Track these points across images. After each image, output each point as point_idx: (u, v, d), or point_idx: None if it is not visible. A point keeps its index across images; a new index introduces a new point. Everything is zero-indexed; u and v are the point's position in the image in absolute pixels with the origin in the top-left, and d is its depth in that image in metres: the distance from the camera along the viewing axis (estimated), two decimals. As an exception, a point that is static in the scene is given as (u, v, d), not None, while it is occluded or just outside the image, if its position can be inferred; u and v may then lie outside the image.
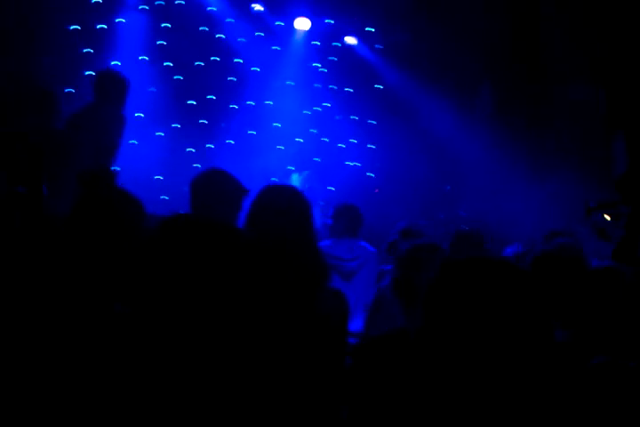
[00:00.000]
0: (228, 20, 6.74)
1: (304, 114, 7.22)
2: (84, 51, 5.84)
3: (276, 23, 7.01)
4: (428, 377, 1.18)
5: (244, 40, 6.85)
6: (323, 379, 1.80)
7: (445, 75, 6.98)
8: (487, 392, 1.13)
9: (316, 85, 7.25)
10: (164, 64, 6.36)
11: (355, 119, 7.43)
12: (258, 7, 6.77)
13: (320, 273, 1.86)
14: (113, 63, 5.89)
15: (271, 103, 6.99)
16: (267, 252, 1.72)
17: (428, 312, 1.20)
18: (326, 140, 7.33)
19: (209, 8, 6.63)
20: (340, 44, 7.33)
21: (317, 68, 7.28)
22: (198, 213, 2.47)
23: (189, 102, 6.56)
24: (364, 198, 6.00)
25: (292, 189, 2.02)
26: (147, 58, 6.23)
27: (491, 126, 7.07)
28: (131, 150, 5.20)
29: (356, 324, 2.92)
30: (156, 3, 6.33)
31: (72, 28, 5.77)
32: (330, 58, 7.32)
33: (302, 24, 6.99)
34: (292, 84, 7.10)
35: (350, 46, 7.34)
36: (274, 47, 7.04)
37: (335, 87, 7.32)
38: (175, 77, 6.43)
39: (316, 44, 7.21)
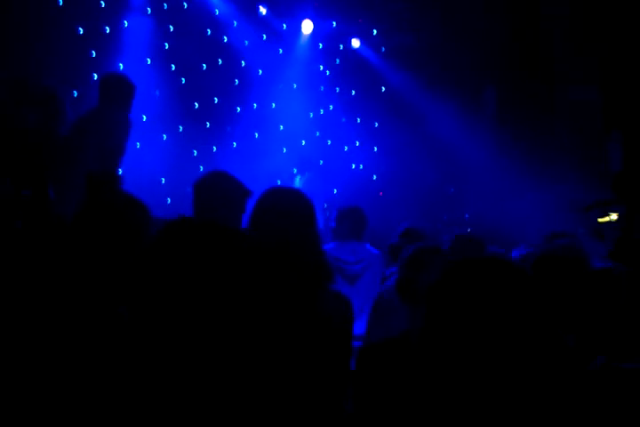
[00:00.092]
0: (234, 23, 6.76)
1: (309, 117, 7.23)
2: (91, 53, 5.87)
3: (282, 26, 7.03)
4: (430, 379, 1.18)
5: (248, 43, 6.87)
6: (326, 382, 1.80)
7: (449, 77, 6.98)
8: (488, 393, 1.13)
9: (320, 88, 7.27)
10: (169, 67, 6.39)
11: (359, 122, 7.45)
12: (262, 10, 6.80)
13: (323, 275, 1.87)
14: (119, 66, 5.92)
15: (274, 106, 7.01)
16: (270, 254, 1.72)
17: (430, 313, 1.20)
18: (330, 142, 7.35)
19: (214, 11, 6.66)
20: (344, 47, 7.35)
21: (322, 70, 7.30)
22: (201, 215, 2.48)
23: (194, 105, 6.59)
24: (368, 201, 6.00)
25: (295, 191, 2.02)
26: (149, 61, 6.26)
27: (494, 128, 7.07)
28: (136, 153, 5.22)
29: (361, 327, 2.92)
30: (163, 6, 6.36)
31: (79, 30, 5.80)
32: (334, 60, 7.34)
33: (306, 27, 7.01)
34: (295, 86, 7.12)
35: (355, 49, 7.36)
36: (279, 50, 7.06)
37: (339, 90, 7.34)
38: (180, 80, 6.46)
39: (320, 47, 7.23)
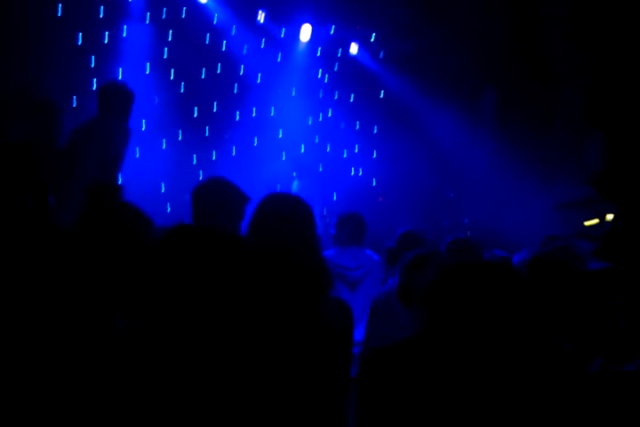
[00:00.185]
0: (232, 30, 6.80)
1: (308, 122, 7.25)
2: (90, 62, 5.90)
3: (280, 33, 7.06)
4: (427, 382, 1.18)
5: (246, 50, 6.90)
6: (327, 388, 1.80)
7: (447, 81, 7.00)
8: (485, 396, 1.14)
9: (319, 94, 7.29)
10: (168, 75, 6.41)
11: (358, 127, 7.47)
12: (261, 17, 6.83)
13: (324, 281, 1.86)
14: (118, 75, 5.94)
15: (272, 112, 7.03)
16: (270, 260, 1.72)
17: (425, 317, 1.21)
18: (329, 147, 7.37)
19: (212, 19, 6.69)
20: (342, 53, 7.38)
21: (320, 76, 7.33)
22: (200, 222, 2.48)
23: (193, 113, 6.61)
24: (367, 206, 6.01)
25: (295, 197, 2.02)
26: (148, 69, 6.28)
27: (493, 131, 7.08)
28: (135, 161, 5.23)
29: (361, 333, 2.91)
30: (161, 14, 6.39)
31: (78, 39, 5.83)
32: (333, 66, 7.37)
33: (304, 33, 7.04)
34: (294, 92, 7.15)
35: (353, 55, 7.38)
36: (277, 57, 7.09)
37: (337, 95, 7.36)
38: (179, 88, 6.48)
39: (318, 53, 7.25)
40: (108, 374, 1.34)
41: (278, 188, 6.31)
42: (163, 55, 6.41)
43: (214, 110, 6.73)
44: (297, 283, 1.78)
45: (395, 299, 2.62)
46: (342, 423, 1.86)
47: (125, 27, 6.18)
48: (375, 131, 7.48)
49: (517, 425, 1.15)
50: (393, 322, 2.48)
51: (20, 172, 3.11)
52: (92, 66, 5.91)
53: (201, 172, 6.17)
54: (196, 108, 6.61)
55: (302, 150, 7.03)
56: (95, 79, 5.65)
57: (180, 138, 6.50)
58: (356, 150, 7.50)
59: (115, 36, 6.10)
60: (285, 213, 1.88)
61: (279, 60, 7.11)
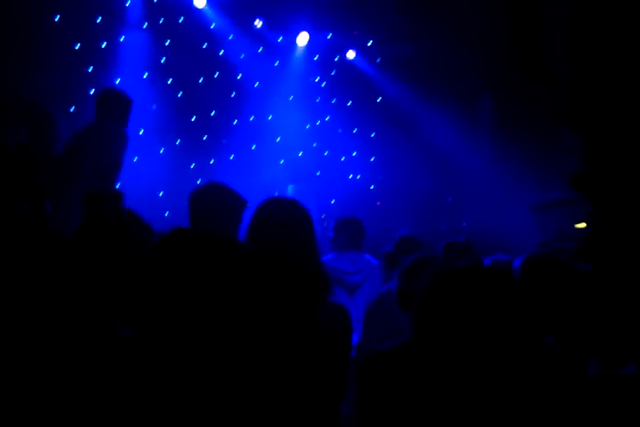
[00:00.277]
0: (229, 36, 6.82)
1: (305, 128, 7.27)
2: (87, 69, 5.91)
3: (277, 39, 7.08)
4: (425, 386, 1.18)
5: (244, 56, 6.92)
6: (324, 393, 1.79)
7: (445, 85, 7.01)
8: (480, 400, 1.13)
9: (317, 100, 7.31)
10: (166, 81, 6.43)
11: (356, 132, 7.48)
12: (258, 23, 6.86)
13: (322, 286, 1.86)
14: (115, 81, 5.95)
15: (270, 118, 7.04)
16: (268, 264, 1.72)
17: (422, 320, 1.21)
18: (327, 152, 7.38)
19: (210, 25, 6.72)
20: (340, 59, 7.40)
21: (318, 82, 7.35)
22: (198, 226, 2.47)
23: (191, 119, 6.62)
24: (365, 211, 6.01)
25: (293, 201, 2.02)
26: (146, 76, 6.30)
27: (492, 133, 7.08)
28: (133, 167, 5.23)
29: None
30: (159, 20, 6.41)
31: (76, 46, 5.84)
32: (330, 72, 7.39)
33: (301, 39, 7.07)
34: (291, 98, 7.16)
35: (350, 60, 7.41)
36: (275, 63, 7.11)
37: (335, 101, 7.38)
38: (177, 94, 6.49)
39: (316, 59, 7.28)
40: (111, 381, 1.34)
41: (276, 193, 6.31)
42: (160, 61, 6.42)
43: (212, 116, 6.74)
44: (295, 288, 1.78)
45: (391, 301, 2.62)
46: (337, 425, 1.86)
47: (123, 33, 6.20)
48: (373, 135, 7.50)
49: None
50: (388, 324, 2.48)
51: (16, 177, 3.11)
52: (90, 72, 5.92)
53: (199, 177, 6.17)
54: (193, 114, 6.62)
55: (300, 155, 7.04)
56: (93, 85, 5.66)
57: (177, 143, 6.51)
58: (354, 155, 7.51)
59: (112, 42, 6.12)
60: (283, 217, 1.88)
61: (276, 65, 7.13)
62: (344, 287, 3.66)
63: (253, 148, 6.96)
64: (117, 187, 4.27)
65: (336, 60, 7.40)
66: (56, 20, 5.70)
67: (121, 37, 6.20)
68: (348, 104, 7.44)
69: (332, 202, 7.03)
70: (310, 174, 6.98)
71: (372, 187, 7.46)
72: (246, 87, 6.95)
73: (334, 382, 1.81)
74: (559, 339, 1.91)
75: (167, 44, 6.46)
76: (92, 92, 5.55)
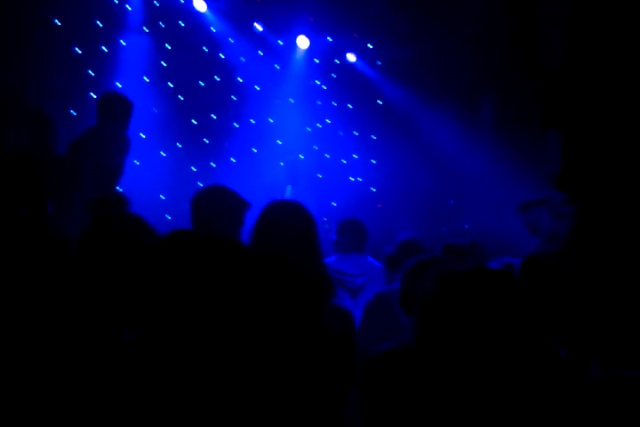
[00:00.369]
0: (230, 40, 6.83)
1: (306, 131, 7.27)
2: (89, 73, 5.92)
3: (278, 42, 7.10)
4: (427, 389, 1.18)
5: (245, 59, 6.93)
6: (328, 395, 1.79)
7: (445, 86, 7.02)
8: (482, 403, 1.13)
9: (317, 103, 7.32)
10: (167, 85, 6.44)
11: (357, 135, 7.48)
12: (258, 27, 6.87)
13: (325, 289, 1.86)
14: (117, 85, 5.96)
15: (271, 121, 7.05)
16: (271, 267, 1.72)
17: (424, 322, 1.21)
18: (328, 155, 7.38)
19: (210, 29, 6.73)
20: (340, 61, 7.41)
21: (319, 85, 7.36)
22: (200, 229, 2.48)
23: (192, 122, 6.63)
24: (367, 213, 6.00)
25: (297, 204, 2.02)
26: (147, 79, 6.31)
27: (493, 134, 7.07)
28: (135, 171, 5.23)
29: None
30: (160, 24, 6.43)
31: (77, 50, 5.85)
32: (331, 75, 7.40)
33: (302, 42, 7.08)
34: (292, 101, 7.17)
35: (351, 63, 7.42)
36: (275, 66, 7.12)
37: (335, 103, 7.39)
38: (178, 98, 6.50)
39: (317, 62, 7.29)
40: (117, 385, 1.33)
41: (278, 195, 6.31)
42: (161, 64, 6.43)
43: (213, 119, 6.75)
44: (298, 290, 1.78)
45: (389, 302, 2.63)
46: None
47: (124, 36, 6.21)
48: (374, 137, 7.50)
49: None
50: (387, 324, 2.48)
51: (17, 178, 3.12)
52: (91, 75, 5.93)
53: (200, 180, 6.18)
54: (194, 117, 6.63)
55: (300, 157, 7.03)
56: (94, 88, 5.67)
57: (179, 146, 6.52)
58: (355, 157, 7.52)
59: (113, 45, 6.13)
60: (287, 220, 1.88)
61: (277, 68, 7.14)
62: (347, 290, 3.66)
63: (254, 150, 6.97)
64: (118, 190, 4.27)
65: (337, 62, 7.41)
66: (57, 23, 5.71)
67: (122, 41, 6.21)
68: (349, 107, 7.44)
69: (334, 204, 7.02)
70: (311, 177, 6.98)
71: (373, 189, 7.46)
72: (247, 90, 6.96)
73: (337, 385, 1.81)
74: (560, 340, 1.90)
75: (168, 47, 6.47)
76: (93, 96, 5.56)
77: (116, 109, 4.17)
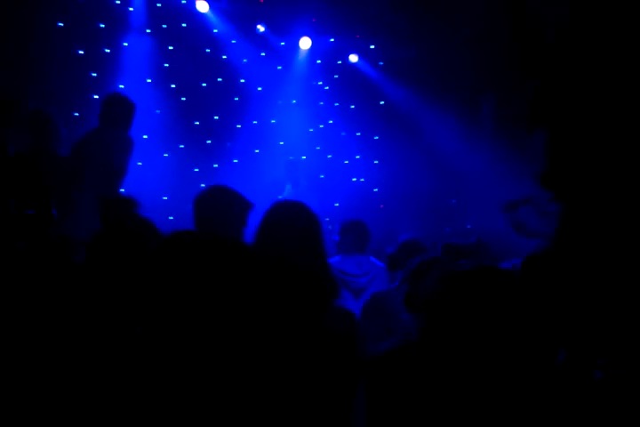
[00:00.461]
0: (232, 41, 6.84)
1: (309, 131, 7.28)
2: (91, 74, 5.93)
3: (280, 43, 7.10)
4: (429, 389, 1.18)
5: (247, 60, 6.94)
6: (332, 396, 1.79)
7: (448, 87, 7.01)
8: (485, 403, 1.13)
9: (320, 103, 7.32)
10: (170, 86, 6.45)
11: (359, 135, 7.49)
12: (260, 28, 6.88)
13: (329, 290, 1.86)
14: (119, 86, 5.97)
15: (274, 122, 7.06)
16: (275, 268, 1.71)
17: (427, 322, 1.21)
18: (330, 156, 7.38)
19: (213, 30, 6.74)
20: (342, 62, 7.41)
21: (321, 85, 7.36)
22: (203, 229, 2.48)
23: (195, 123, 6.64)
24: (369, 214, 6.00)
25: (301, 205, 2.01)
26: (149, 81, 6.32)
27: (494, 138, 7.07)
28: (138, 172, 5.24)
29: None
30: (162, 26, 6.44)
31: (79, 52, 5.87)
32: (333, 75, 7.41)
33: (304, 43, 7.09)
34: (295, 102, 7.18)
35: (353, 64, 7.42)
36: (277, 67, 7.13)
37: (338, 104, 7.39)
38: (180, 99, 6.51)
39: (319, 63, 7.29)
40: (123, 384, 1.34)
41: (279, 195, 6.31)
42: (163, 66, 6.45)
43: (215, 120, 6.76)
44: (302, 291, 1.77)
45: (385, 302, 2.63)
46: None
47: (126, 38, 6.23)
48: (376, 138, 7.50)
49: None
50: (382, 324, 2.48)
51: (20, 181, 3.12)
52: (94, 76, 5.94)
53: (203, 180, 6.18)
54: (197, 118, 6.64)
55: (302, 158, 7.03)
56: (96, 90, 5.69)
57: (181, 147, 6.53)
58: (358, 158, 7.52)
59: (116, 47, 6.15)
60: (291, 221, 1.88)
61: (279, 69, 7.15)
62: (350, 290, 3.65)
63: (257, 151, 6.98)
64: (121, 191, 4.27)
65: (339, 63, 7.41)
66: (60, 25, 5.73)
67: (124, 42, 6.23)
68: (352, 107, 7.45)
69: (336, 205, 7.03)
70: (314, 177, 6.98)
71: (375, 190, 7.46)
72: (249, 91, 6.96)
73: (341, 386, 1.80)
74: (562, 341, 1.90)
75: (170, 48, 6.48)
76: (95, 97, 5.57)
77: (119, 111, 4.18)
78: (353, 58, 7.38)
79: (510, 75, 6.94)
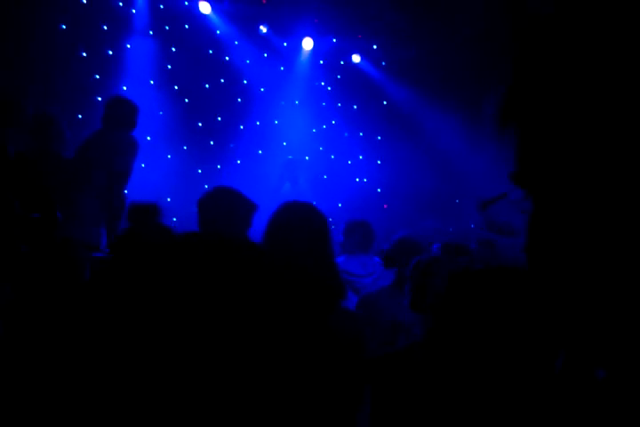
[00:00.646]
0: (235, 42, 6.85)
1: (312, 132, 7.28)
2: (94, 76, 5.94)
3: (282, 44, 7.11)
4: (435, 388, 1.18)
5: (249, 61, 6.94)
6: (339, 398, 1.79)
7: (447, 87, 7.00)
8: (490, 403, 1.13)
9: (322, 104, 7.32)
10: (172, 87, 6.46)
11: (362, 135, 7.48)
12: (263, 29, 6.88)
13: (336, 291, 1.85)
14: (122, 88, 5.98)
15: (276, 122, 7.06)
16: (282, 269, 1.71)
17: (436, 321, 1.21)
18: (333, 156, 7.38)
19: (215, 31, 6.75)
20: (345, 63, 7.41)
21: (323, 86, 7.36)
22: (207, 231, 2.48)
23: (198, 124, 6.64)
24: (373, 214, 6.00)
25: (309, 205, 2.00)
26: (152, 82, 6.33)
27: (495, 139, 7.05)
28: (141, 173, 5.25)
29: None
30: (165, 27, 6.45)
31: (82, 53, 5.88)
32: (336, 76, 7.41)
33: (306, 44, 7.09)
34: (297, 102, 7.18)
35: (355, 64, 7.42)
36: (280, 68, 7.13)
37: (341, 104, 7.39)
38: (183, 100, 6.52)
39: (321, 63, 7.30)
40: (139, 381, 1.34)
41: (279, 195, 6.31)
42: (166, 67, 6.45)
43: (218, 121, 6.77)
44: (309, 292, 1.77)
45: (375, 303, 2.63)
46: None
47: (129, 40, 6.24)
48: (379, 138, 7.50)
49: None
50: (379, 321, 2.49)
51: (23, 184, 3.13)
52: (97, 79, 5.95)
53: (206, 182, 6.19)
54: (200, 119, 6.64)
55: (301, 157, 7.03)
56: (100, 92, 5.70)
57: (185, 149, 6.53)
58: (361, 158, 7.52)
59: (119, 48, 6.16)
60: (300, 221, 1.87)
61: (282, 70, 7.15)
62: (354, 290, 3.65)
63: (260, 152, 6.98)
64: (125, 192, 4.28)
65: (341, 63, 7.41)
66: (63, 27, 5.74)
67: (127, 44, 6.24)
68: (354, 108, 7.45)
69: (340, 205, 7.03)
70: (317, 178, 6.98)
71: (378, 190, 7.46)
72: (252, 92, 6.97)
73: (348, 388, 1.80)
74: (563, 341, 1.89)
75: (173, 50, 6.49)
76: (99, 99, 5.58)
77: (122, 113, 4.19)
78: (355, 58, 7.38)
79: (510, 75, 6.92)
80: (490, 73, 7.00)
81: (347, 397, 1.81)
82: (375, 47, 7.33)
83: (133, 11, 6.28)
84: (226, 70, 6.81)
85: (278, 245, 1.82)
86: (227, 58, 6.83)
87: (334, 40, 7.22)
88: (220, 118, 6.75)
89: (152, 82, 6.33)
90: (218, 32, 6.74)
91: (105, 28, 6.06)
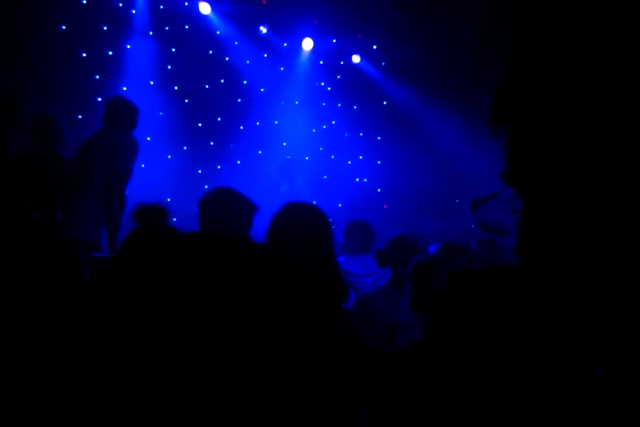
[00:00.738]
0: (235, 42, 6.85)
1: (312, 132, 7.28)
2: (94, 77, 5.94)
3: (282, 44, 7.11)
4: (438, 386, 1.18)
5: (249, 62, 6.95)
6: (340, 399, 1.79)
7: (448, 87, 7.01)
8: (494, 401, 1.13)
9: (322, 104, 7.33)
10: (172, 88, 6.46)
11: (362, 136, 7.49)
12: (263, 29, 6.89)
13: (339, 292, 1.85)
14: (122, 89, 5.98)
15: (276, 123, 7.07)
16: (284, 269, 1.71)
17: (437, 321, 1.21)
18: (333, 156, 7.39)
19: (215, 32, 6.75)
20: (345, 63, 7.42)
21: (323, 86, 7.37)
22: (207, 231, 2.48)
23: (198, 125, 6.65)
24: (373, 214, 6.00)
25: (311, 206, 2.00)
26: (152, 83, 6.33)
27: (495, 139, 7.05)
28: (141, 174, 5.25)
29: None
30: (165, 28, 6.45)
31: (82, 54, 5.88)
32: (335, 76, 7.41)
33: (306, 44, 7.10)
34: (297, 103, 7.18)
35: (355, 64, 7.42)
36: (280, 68, 7.14)
37: (341, 105, 7.39)
38: (183, 101, 6.52)
39: (321, 64, 7.30)
40: (140, 382, 1.34)
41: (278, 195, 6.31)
42: (166, 68, 6.46)
43: (218, 121, 6.77)
44: (312, 293, 1.77)
45: (370, 304, 2.63)
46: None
47: (129, 40, 6.24)
48: (379, 138, 7.50)
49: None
50: (376, 321, 2.49)
51: (23, 184, 3.13)
52: (97, 79, 5.96)
53: (206, 182, 6.19)
54: (200, 120, 6.65)
55: (300, 157, 7.03)
56: (99, 92, 5.70)
57: (185, 149, 6.54)
58: (361, 158, 7.52)
59: (119, 49, 6.16)
60: (302, 222, 1.87)
61: (282, 70, 7.15)
62: (355, 290, 3.65)
63: (260, 152, 6.98)
64: (125, 193, 4.28)
65: (341, 64, 7.42)
66: (63, 27, 5.74)
67: (127, 45, 6.24)
68: (354, 108, 7.45)
69: (340, 205, 7.03)
70: (317, 178, 6.99)
71: (378, 190, 7.46)
72: (252, 92, 6.97)
73: (350, 388, 1.80)
74: (565, 342, 1.90)
75: (173, 50, 6.49)
76: (99, 100, 5.58)
77: (122, 113, 4.19)
78: (355, 58, 7.38)
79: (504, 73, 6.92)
80: (490, 73, 7.03)
81: (349, 397, 1.81)
82: (375, 47, 7.34)
83: (133, 11, 6.28)
84: (226, 71, 6.82)
85: (281, 245, 1.82)
86: (227, 58, 6.83)
87: (334, 40, 7.23)
88: (220, 119, 6.75)
89: (152, 82, 6.33)
90: (218, 32, 6.74)
91: (105, 28, 6.06)
